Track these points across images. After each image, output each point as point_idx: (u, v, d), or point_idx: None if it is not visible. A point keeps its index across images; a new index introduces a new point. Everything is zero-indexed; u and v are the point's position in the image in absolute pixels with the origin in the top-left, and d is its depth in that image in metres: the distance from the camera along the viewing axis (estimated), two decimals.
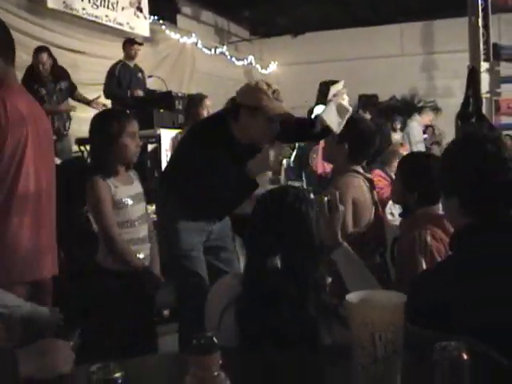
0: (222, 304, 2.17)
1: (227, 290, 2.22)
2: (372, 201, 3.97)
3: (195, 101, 6.89)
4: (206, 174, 3.61)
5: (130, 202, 3.62)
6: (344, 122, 3.88)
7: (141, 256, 3.67)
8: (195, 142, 3.82)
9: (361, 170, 3.96)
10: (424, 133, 11.67)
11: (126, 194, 3.62)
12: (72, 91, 8.25)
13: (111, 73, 8.65)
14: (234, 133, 3.74)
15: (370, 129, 4.06)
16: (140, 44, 9.05)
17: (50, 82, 7.88)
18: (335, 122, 3.89)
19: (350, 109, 3.92)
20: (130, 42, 8.92)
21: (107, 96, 8.58)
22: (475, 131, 2.44)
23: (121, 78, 8.61)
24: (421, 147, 10.36)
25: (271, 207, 2.26)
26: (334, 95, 3.96)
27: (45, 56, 7.78)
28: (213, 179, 3.58)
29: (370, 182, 4.04)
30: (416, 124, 11.09)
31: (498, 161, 2.09)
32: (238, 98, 3.76)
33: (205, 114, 6.68)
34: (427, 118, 11.62)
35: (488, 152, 2.09)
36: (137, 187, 3.77)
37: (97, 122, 3.77)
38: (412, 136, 10.78)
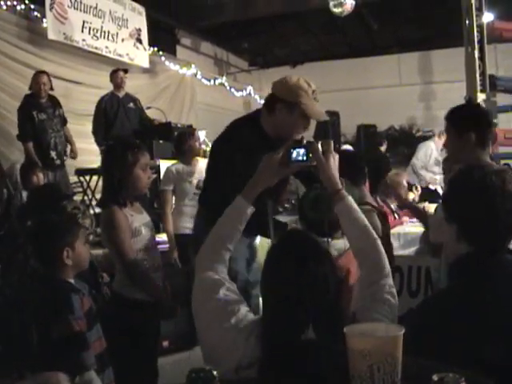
0: (233, 362, 2.04)
1: (239, 348, 2.07)
2: (384, 233, 3.98)
3: (186, 135, 6.91)
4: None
5: (143, 230, 3.65)
6: None
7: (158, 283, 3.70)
8: (226, 148, 3.73)
9: (374, 203, 3.98)
10: None
11: (141, 222, 3.66)
12: (64, 123, 8.30)
13: (98, 106, 8.66)
14: (265, 127, 3.72)
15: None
16: (125, 71, 9.01)
17: (49, 108, 7.94)
18: None
19: None
20: (114, 71, 8.94)
21: (93, 133, 8.61)
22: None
23: (107, 110, 8.61)
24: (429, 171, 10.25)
25: (294, 278, 2.03)
26: None
27: (45, 77, 7.88)
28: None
29: (383, 215, 4.06)
30: (431, 145, 10.77)
31: (501, 193, 2.10)
32: (277, 91, 3.73)
33: (197, 145, 6.72)
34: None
35: (492, 184, 2.12)
36: (147, 216, 3.80)
37: (111, 153, 3.81)
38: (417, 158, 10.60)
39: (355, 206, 2.45)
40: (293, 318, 2.00)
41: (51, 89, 8.15)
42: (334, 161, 2.50)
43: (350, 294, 2.74)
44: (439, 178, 9.61)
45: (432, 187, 10.34)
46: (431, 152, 10.56)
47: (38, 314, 2.98)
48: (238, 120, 3.92)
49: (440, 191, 9.52)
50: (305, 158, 2.46)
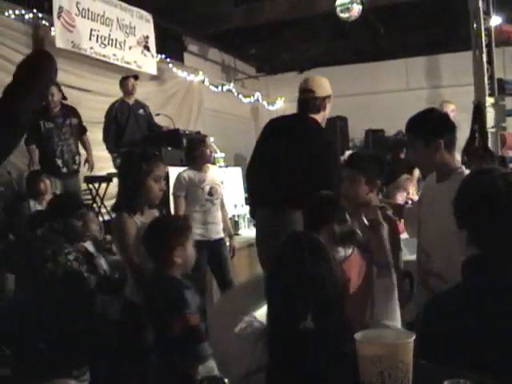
0: (242, 369, 2.07)
1: (246, 355, 2.10)
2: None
3: (197, 142, 6.90)
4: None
5: None
6: None
7: None
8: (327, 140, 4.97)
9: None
10: None
11: None
12: (81, 133, 8.37)
13: (108, 113, 8.73)
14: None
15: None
16: (135, 77, 9.13)
17: (59, 118, 8.00)
18: None
19: None
20: (125, 78, 9.05)
21: (104, 140, 8.65)
22: (488, 166, 2.47)
23: (118, 117, 8.67)
24: None
25: (292, 270, 2.11)
26: None
27: (54, 89, 7.94)
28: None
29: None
30: None
31: (507, 196, 2.11)
32: (322, 92, 4.80)
33: (208, 152, 6.71)
34: (449, 109, 11.16)
35: (498, 188, 2.12)
36: None
37: (127, 161, 3.94)
38: None
39: (395, 282, 2.49)
40: (293, 308, 2.06)
41: (64, 98, 8.22)
42: (384, 231, 2.55)
43: (352, 302, 2.75)
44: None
45: None
46: None
47: (154, 311, 3.20)
48: (316, 122, 4.82)
49: None
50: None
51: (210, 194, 6.57)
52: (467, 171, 3.52)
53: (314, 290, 2.07)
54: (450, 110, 10.51)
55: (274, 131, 4.92)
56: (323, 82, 4.88)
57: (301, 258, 2.10)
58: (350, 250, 3.53)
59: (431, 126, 3.63)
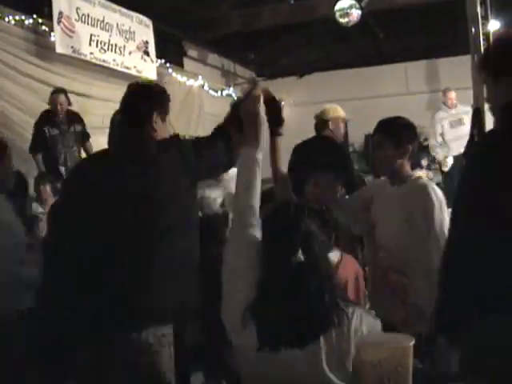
0: (240, 307, 2.23)
1: (244, 293, 2.28)
2: None
3: None
4: None
5: None
6: None
7: None
8: None
9: None
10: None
11: None
12: (84, 139, 8.42)
13: (112, 121, 8.79)
14: None
15: None
16: None
17: (64, 124, 8.07)
18: None
19: None
20: None
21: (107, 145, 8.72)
22: None
23: None
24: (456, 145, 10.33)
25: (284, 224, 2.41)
26: None
27: (62, 97, 8.01)
28: None
29: None
30: (443, 115, 10.87)
31: None
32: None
33: None
34: (450, 94, 11.17)
35: None
36: None
37: None
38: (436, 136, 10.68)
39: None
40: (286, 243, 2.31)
41: (69, 104, 8.28)
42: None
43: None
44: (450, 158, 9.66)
45: (444, 169, 10.37)
46: (442, 117, 10.61)
47: None
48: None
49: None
50: None
51: (223, 205, 6.57)
52: (421, 179, 3.85)
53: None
54: (454, 96, 10.57)
55: None
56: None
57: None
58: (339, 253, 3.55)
59: (405, 130, 3.82)
